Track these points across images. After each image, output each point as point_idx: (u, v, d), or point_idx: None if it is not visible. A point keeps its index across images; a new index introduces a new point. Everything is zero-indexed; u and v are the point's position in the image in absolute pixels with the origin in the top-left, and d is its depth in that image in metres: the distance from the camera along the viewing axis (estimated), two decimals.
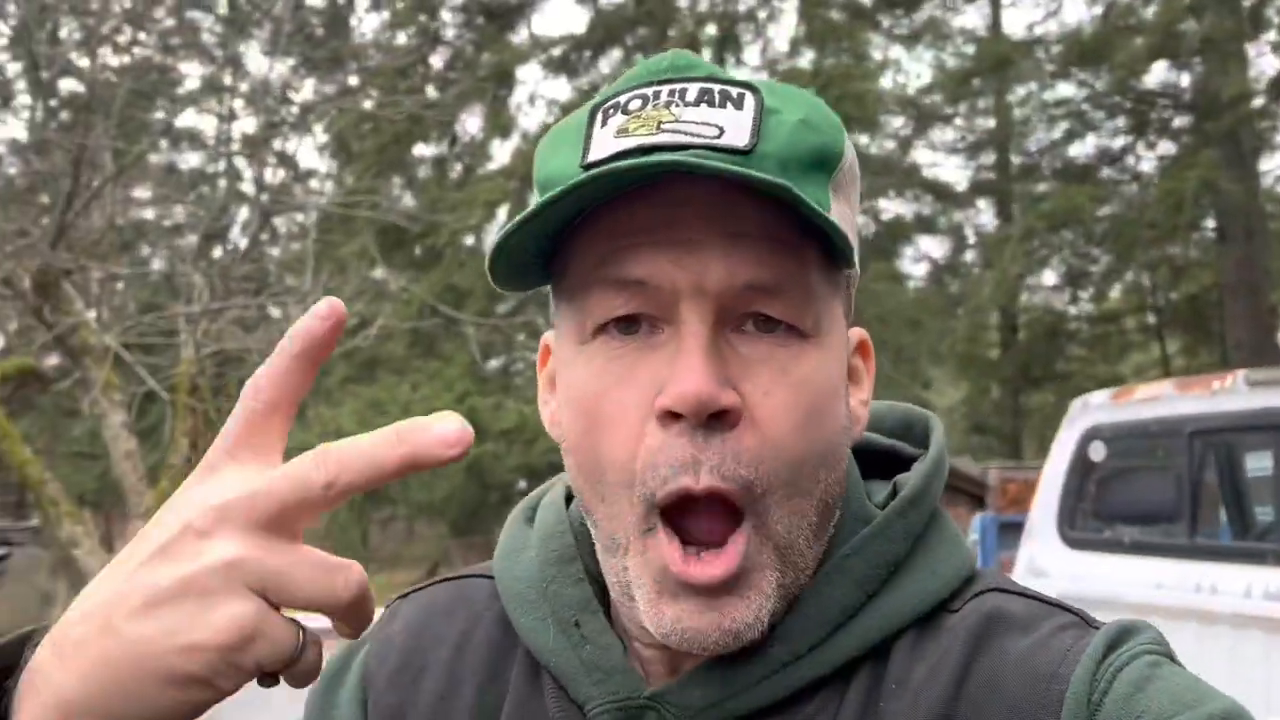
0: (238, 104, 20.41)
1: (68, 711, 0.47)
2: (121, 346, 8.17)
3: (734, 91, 0.63)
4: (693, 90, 0.63)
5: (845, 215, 0.67)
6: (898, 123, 16.49)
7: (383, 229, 13.37)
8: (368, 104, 14.35)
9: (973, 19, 18.02)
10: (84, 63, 10.41)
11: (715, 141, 0.61)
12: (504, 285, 0.67)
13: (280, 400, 0.51)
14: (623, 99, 0.64)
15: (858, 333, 0.73)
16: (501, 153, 16.24)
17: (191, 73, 17.86)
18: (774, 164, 0.62)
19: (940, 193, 16.56)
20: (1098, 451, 4.29)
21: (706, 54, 14.86)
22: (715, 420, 0.61)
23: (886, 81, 16.34)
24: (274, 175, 20.63)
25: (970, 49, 16.43)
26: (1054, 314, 16.93)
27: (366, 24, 19.19)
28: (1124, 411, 4.32)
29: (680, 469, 0.61)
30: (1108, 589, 4.06)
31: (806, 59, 15.58)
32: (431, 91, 15.32)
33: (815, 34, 15.28)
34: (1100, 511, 4.39)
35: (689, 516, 0.62)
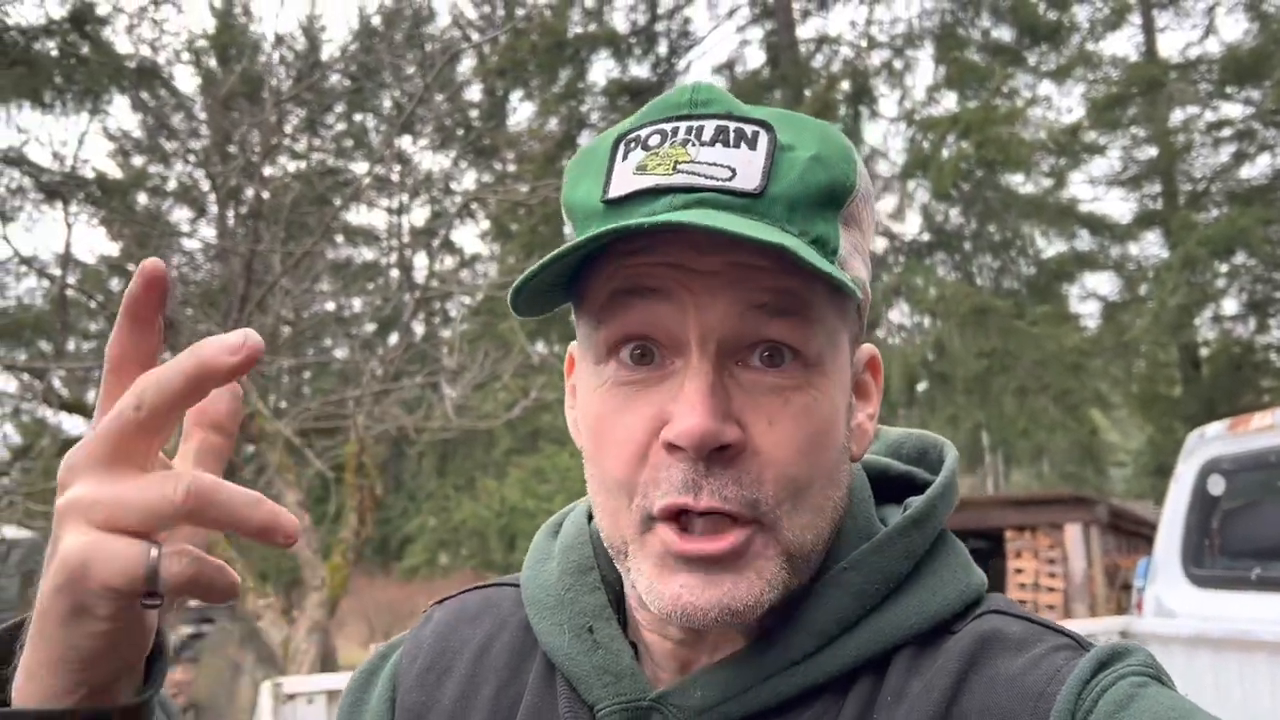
0: (405, 198, 21.74)
1: (30, 669, 0.53)
2: (300, 432, 8.85)
3: (748, 130, 0.66)
4: (709, 129, 0.66)
5: (856, 243, 0.70)
6: (1051, 159, 16.04)
7: None
8: (523, 188, 15.07)
9: (1124, 46, 17.44)
10: (266, 170, 11.43)
11: (727, 184, 0.64)
12: (525, 314, 0.70)
13: (122, 360, 0.53)
14: (643, 133, 0.67)
15: (868, 349, 0.75)
16: None
17: (360, 171, 19.18)
18: (782, 206, 0.65)
19: (1100, 227, 15.94)
20: (1216, 485, 4.13)
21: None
22: (718, 453, 0.63)
23: (1036, 119, 15.96)
24: (441, 263, 21.83)
25: (1123, 77, 15.89)
26: (1239, 344, 15.93)
27: (520, 113, 20.18)
28: (1242, 442, 4.14)
29: (681, 489, 0.64)
30: (1238, 628, 3.89)
31: (945, 105, 15.43)
32: None
33: (953, 78, 15.14)
34: (1225, 547, 4.20)
35: (688, 522, 0.65)
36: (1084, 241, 16.39)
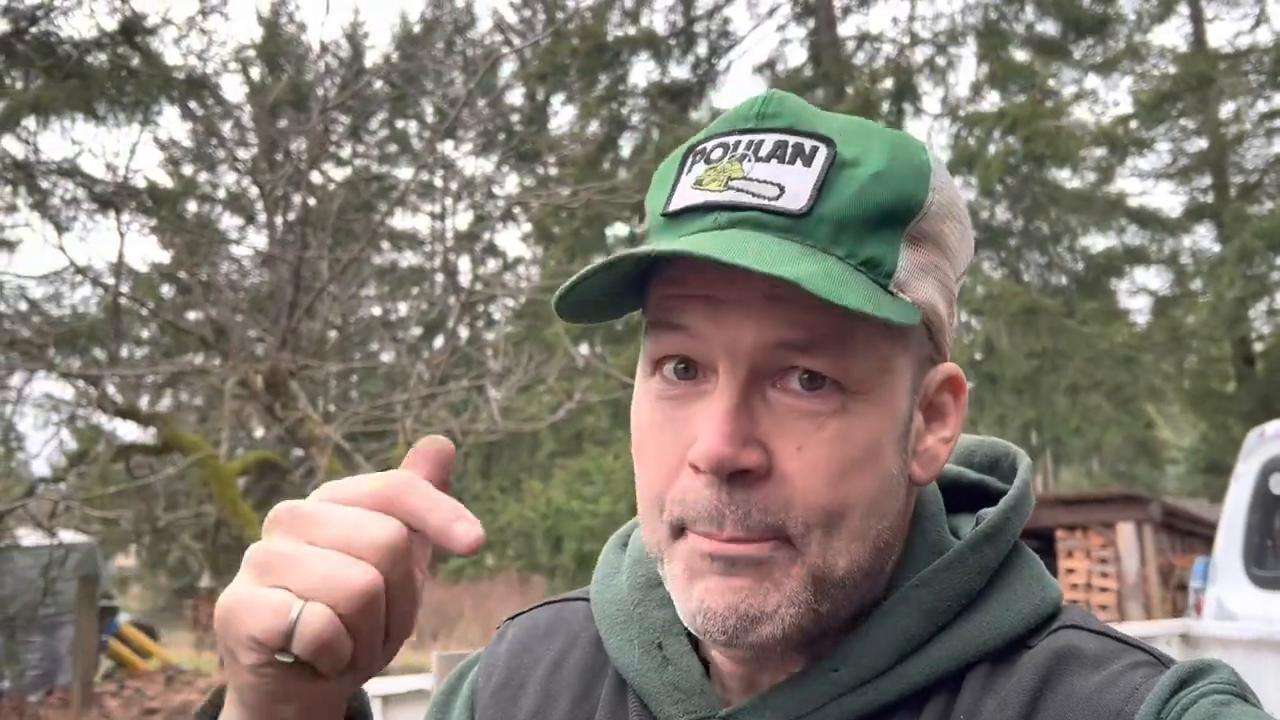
0: (448, 202, 21.91)
1: (229, 704, 0.58)
2: (349, 435, 8.94)
3: (807, 145, 0.65)
4: (768, 143, 0.65)
5: (932, 262, 0.68)
6: (1098, 153, 15.82)
7: None
8: (564, 191, 15.16)
9: (1173, 37, 17.15)
10: (313, 177, 11.58)
11: (772, 204, 0.63)
12: (572, 320, 0.70)
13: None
14: (709, 146, 0.67)
15: (948, 368, 0.72)
16: None
17: (405, 177, 19.37)
18: (828, 227, 0.63)
19: (1149, 221, 15.69)
20: (1279, 484, 4.04)
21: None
22: (740, 476, 0.63)
23: (1082, 112, 15.76)
24: (484, 266, 21.97)
25: (1173, 70, 15.63)
26: None
27: (561, 116, 20.24)
28: None
29: (706, 518, 0.64)
30: None
31: (989, 101, 15.26)
32: (623, 174, 15.97)
33: (997, 75, 14.98)
34: None
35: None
36: (1133, 236, 16.14)
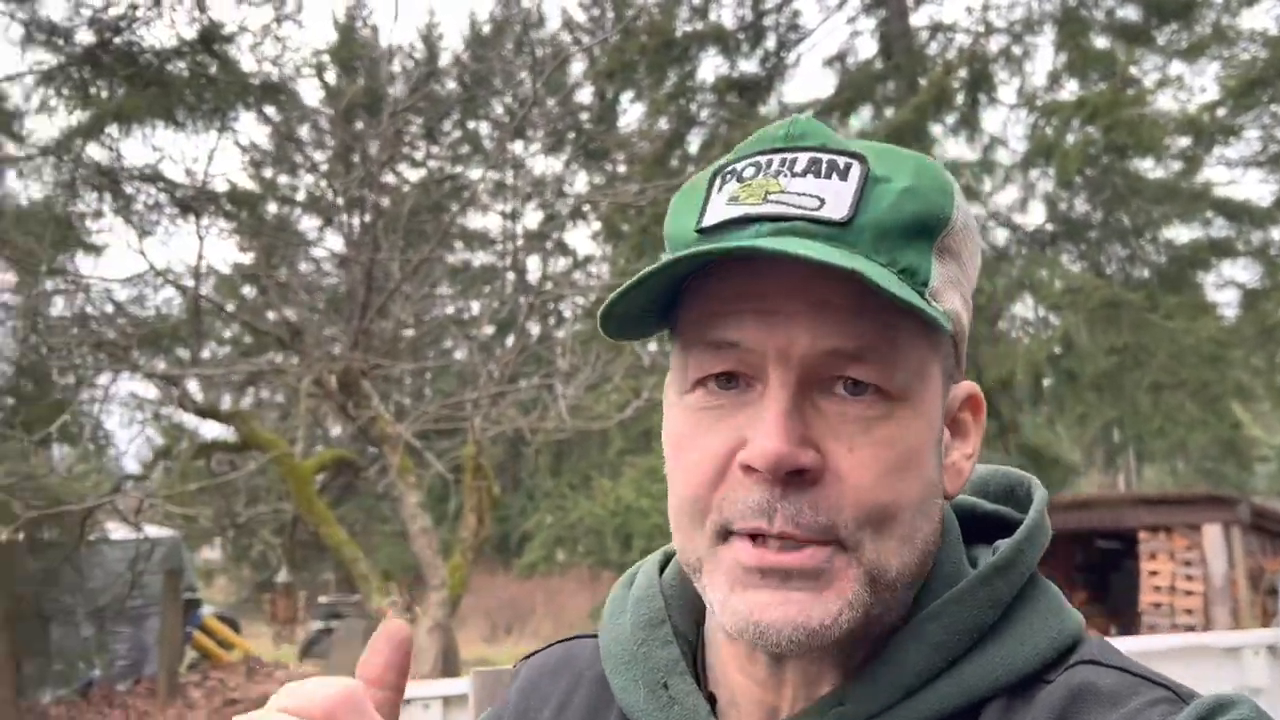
0: (519, 202, 22.09)
1: None
2: (420, 434, 9.06)
3: (841, 161, 0.66)
4: (802, 160, 0.66)
5: (952, 276, 0.69)
6: (1183, 142, 15.32)
7: None
8: (633, 189, 15.20)
9: (1262, 20, 16.55)
10: (386, 179, 11.76)
11: (814, 214, 0.64)
12: (616, 337, 0.71)
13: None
14: (739, 166, 0.68)
15: (968, 387, 0.73)
16: None
17: (477, 177, 19.57)
18: (870, 235, 0.64)
19: (1237, 212, 15.15)
20: None
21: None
22: (794, 477, 0.63)
23: (1166, 100, 15.28)
24: (555, 265, 22.11)
25: (1263, 54, 15.06)
26: None
27: (630, 114, 20.28)
28: None
29: (756, 512, 0.63)
30: None
31: (1068, 90, 14.87)
32: (690, 170, 15.93)
33: (1076, 63, 14.59)
34: None
35: (763, 542, 0.65)
36: (1220, 227, 15.60)
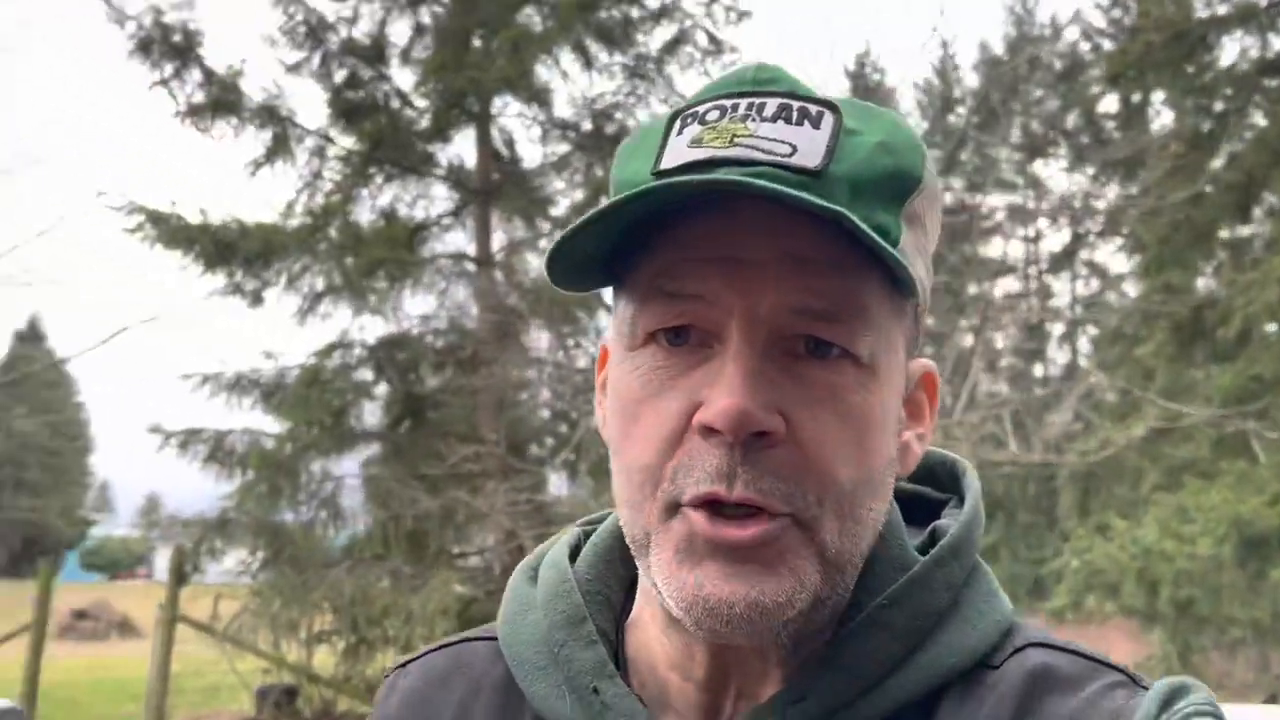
0: (1041, 223, 21.00)
1: None
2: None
3: (813, 109, 0.62)
4: (771, 105, 0.62)
5: (917, 243, 0.65)
6: None
7: (1177, 322, 12.87)
8: (1157, 197, 14.00)
9: None
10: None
11: (786, 160, 0.60)
12: (563, 285, 0.65)
13: None
14: (702, 109, 0.63)
15: (924, 365, 0.70)
16: None
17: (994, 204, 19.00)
18: (844, 187, 0.60)
19: None
20: None
21: None
22: (755, 439, 0.59)
23: None
24: (1085, 285, 20.58)
25: None
26: None
27: (1163, 116, 18.44)
28: None
29: (714, 477, 0.59)
30: None
31: None
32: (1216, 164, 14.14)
33: None
34: None
35: (718, 511, 0.60)
36: None
